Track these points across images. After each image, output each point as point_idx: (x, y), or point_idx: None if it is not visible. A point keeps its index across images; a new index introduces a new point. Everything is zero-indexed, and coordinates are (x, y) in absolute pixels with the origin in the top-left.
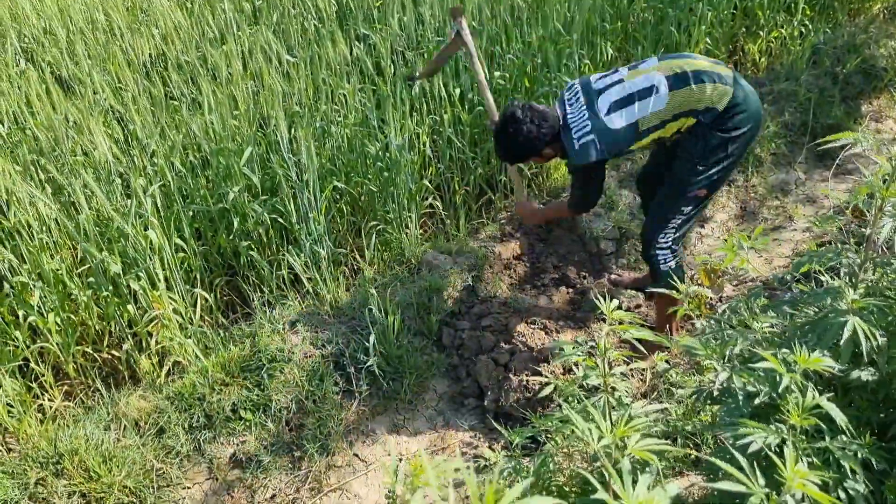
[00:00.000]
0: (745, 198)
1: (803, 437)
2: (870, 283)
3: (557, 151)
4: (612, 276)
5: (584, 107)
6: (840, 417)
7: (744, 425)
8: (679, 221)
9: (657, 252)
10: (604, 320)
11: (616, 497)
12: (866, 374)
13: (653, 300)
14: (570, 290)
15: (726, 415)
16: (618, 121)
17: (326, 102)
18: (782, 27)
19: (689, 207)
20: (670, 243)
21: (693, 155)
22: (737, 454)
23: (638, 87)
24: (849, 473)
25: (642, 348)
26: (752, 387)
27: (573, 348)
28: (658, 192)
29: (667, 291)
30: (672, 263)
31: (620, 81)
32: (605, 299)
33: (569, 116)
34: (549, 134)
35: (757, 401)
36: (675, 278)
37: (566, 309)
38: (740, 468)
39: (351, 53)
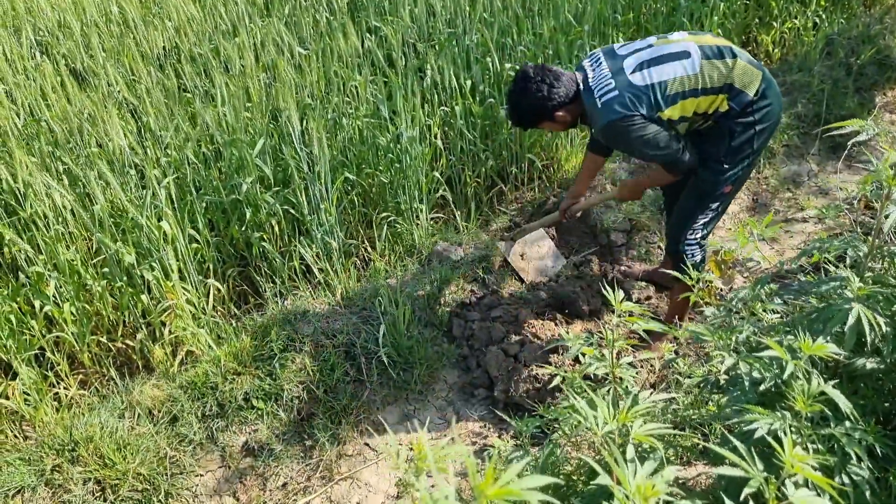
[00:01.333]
0: (757, 190)
1: (808, 424)
2: (877, 273)
3: (574, 116)
4: (623, 268)
5: (608, 69)
6: (844, 403)
7: (749, 411)
8: (707, 219)
9: (686, 248)
10: (613, 311)
11: (619, 483)
12: (871, 363)
13: (664, 291)
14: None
15: (732, 402)
16: (644, 78)
17: (338, 94)
18: (796, 18)
19: (717, 204)
20: (699, 239)
21: (719, 153)
22: (735, 441)
23: (668, 50)
24: (853, 459)
25: (649, 339)
26: (758, 373)
27: (579, 339)
28: (684, 190)
29: (677, 274)
30: (699, 258)
31: (650, 46)
32: (614, 290)
33: (591, 80)
34: (563, 96)
35: (762, 387)
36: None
37: None
38: (741, 455)
39: (362, 45)
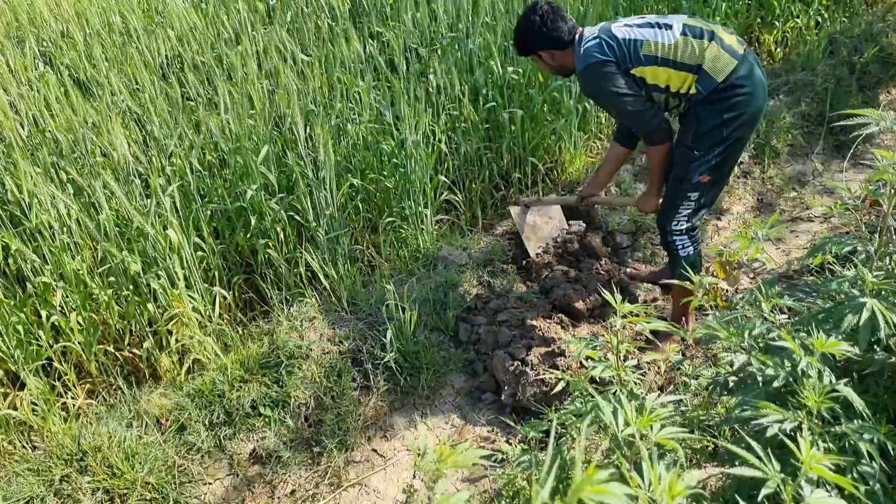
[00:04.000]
0: (761, 189)
1: (819, 422)
2: (887, 270)
3: (561, 62)
4: (629, 270)
5: (599, 26)
6: (857, 401)
7: (761, 408)
8: (689, 209)
9: (674, 239)
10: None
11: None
12: (884, 359)
13: (670, 293)
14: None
15: (743, 402)
16: (624, 33)
17: (341, 100)
18: (798, 17)
19: (696, 194)
20: (684, 230)
21: (688, 139)
22: (752, 441)
23: (655, 21)
24: (865, 457)
25: (656, 340)
26: (771, 370)
27: (582, 343)
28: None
29: (679, 283)
30: (690, 250)
31: (643, 17)
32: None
33: (584, 34)
34: (554, 38)
35: (775, 384)
36: (694, 266)
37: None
38: (757, 455)
39: (365, 51)
